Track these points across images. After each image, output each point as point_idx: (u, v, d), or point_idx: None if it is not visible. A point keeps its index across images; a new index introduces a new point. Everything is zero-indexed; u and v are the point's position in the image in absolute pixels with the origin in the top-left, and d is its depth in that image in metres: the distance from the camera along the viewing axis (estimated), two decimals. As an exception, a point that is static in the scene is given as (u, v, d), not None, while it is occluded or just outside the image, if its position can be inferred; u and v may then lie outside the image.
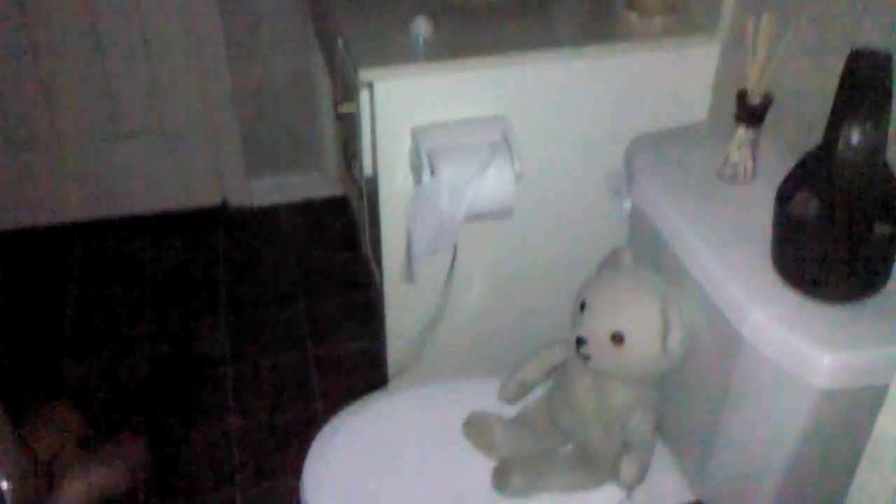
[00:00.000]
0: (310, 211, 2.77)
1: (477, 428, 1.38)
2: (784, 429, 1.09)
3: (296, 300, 2.41)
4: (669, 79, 1.55)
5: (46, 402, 1.67)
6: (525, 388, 1.42)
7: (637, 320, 1.23)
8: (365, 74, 1.41)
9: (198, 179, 2.72)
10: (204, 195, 2.75)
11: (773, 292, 1.09)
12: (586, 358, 1.27)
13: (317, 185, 2.79)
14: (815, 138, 1.05)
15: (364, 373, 2.15)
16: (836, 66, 0.98)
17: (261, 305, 2.40)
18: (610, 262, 1.35)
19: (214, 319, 2.35)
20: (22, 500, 1.35)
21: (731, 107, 1.30)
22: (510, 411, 1.42)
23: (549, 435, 1.39)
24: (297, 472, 1.35)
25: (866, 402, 0.97)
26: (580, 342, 1.26)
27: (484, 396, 1.43)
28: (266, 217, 2.75)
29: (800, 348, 1.03)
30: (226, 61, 2.51)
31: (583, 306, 1.28)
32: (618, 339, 1.23)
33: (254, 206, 2.78)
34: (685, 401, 1.30)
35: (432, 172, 1.42)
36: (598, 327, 1.25)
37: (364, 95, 1.44)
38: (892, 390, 0.77)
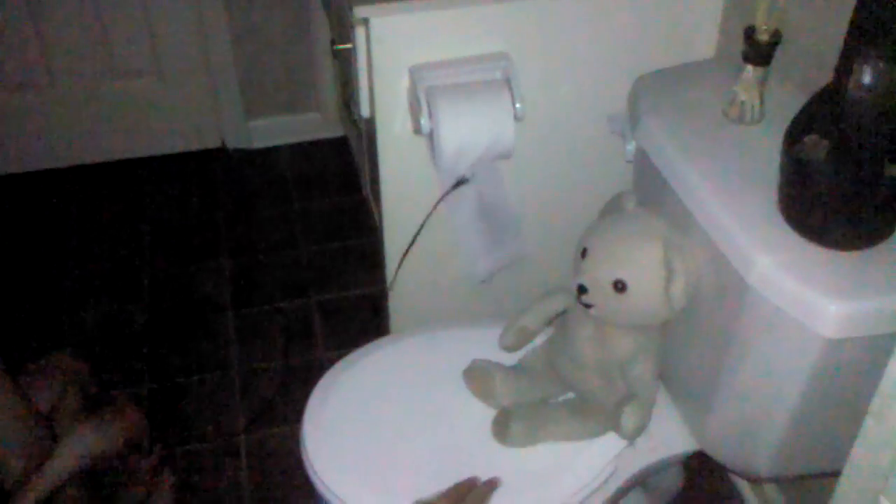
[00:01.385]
0: (310, 152, 2.73)
1: (477, 376, 1.36)
2: (789, 378, 1.07)
3: (297, 244, 2.39)
4: (676, 14, 1.50)
5: (46, 352, 1.65)
6: (526, 336, 1.40)
7: (639, 267, 1.20)
8: (360, 10, 1.36)
9: (196, 121, 2.68)
10: (202, 137, 2.72)
11: (779, 239, 1.05)
12: (588, 306, 1.24)
13: (316, 126, 2.75)
14: (825, 77, 1.00)
15: (367, 318, 2.14)
16: (848, 0, 0.94)
17: (262, 250, 2.38)
18: (613, 207, 1.32)
19: (215, 264, 2.33)
20: (21, 449, 1.35)
21: (739, 44, 1.25)
22: (511, 359, 1.40)
23: (550, 383, 1.37)
24: (300, 419, 1.35)
25: (873, 351, 0.95)
26: (581, 290, 1.23)
27: (485, 344, 1.41)
28: (266, 159, 2.72)
29: (806, 296, 0.99)
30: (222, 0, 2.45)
31: (584, 253, 1.25)
32: (620, 286, 1.20)
33: (253, 148, 2.74)
34: (688, 349, 1.28)
35: (430, 114, 1.38)
36: (599, 275, 1.22)
37: (359, 33, 1.39)
38: (901, 342, 0.74)
